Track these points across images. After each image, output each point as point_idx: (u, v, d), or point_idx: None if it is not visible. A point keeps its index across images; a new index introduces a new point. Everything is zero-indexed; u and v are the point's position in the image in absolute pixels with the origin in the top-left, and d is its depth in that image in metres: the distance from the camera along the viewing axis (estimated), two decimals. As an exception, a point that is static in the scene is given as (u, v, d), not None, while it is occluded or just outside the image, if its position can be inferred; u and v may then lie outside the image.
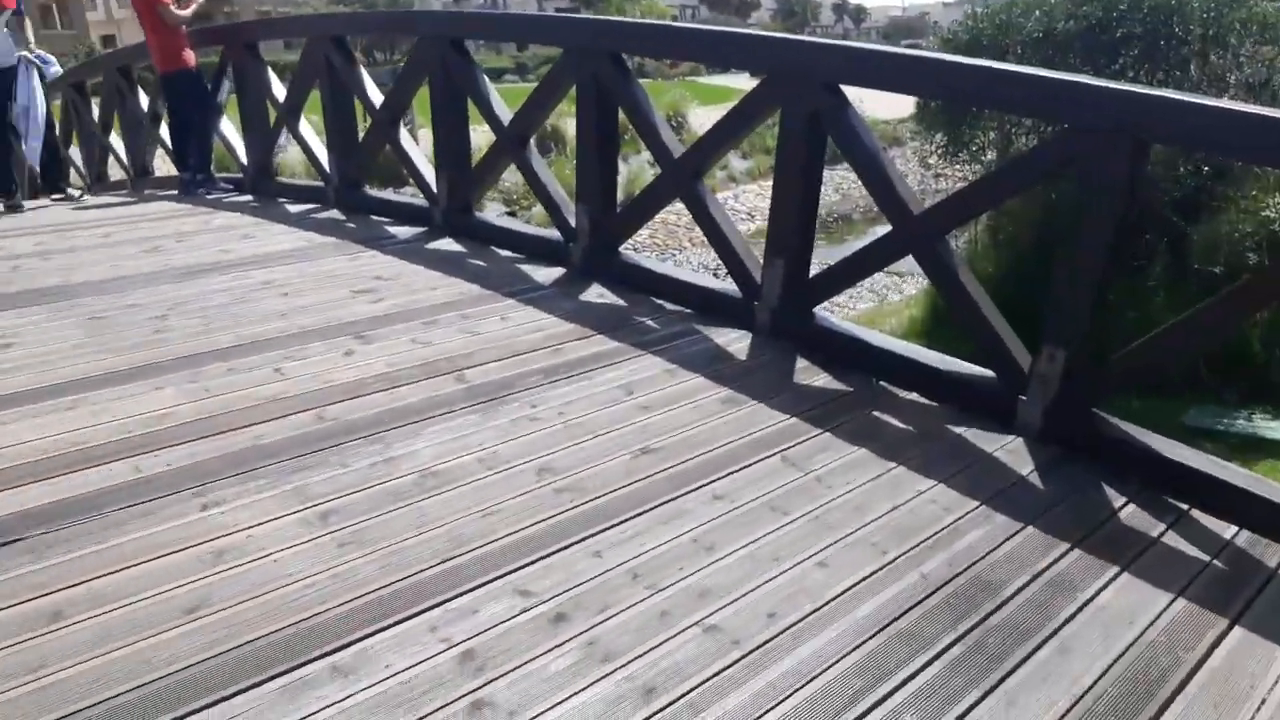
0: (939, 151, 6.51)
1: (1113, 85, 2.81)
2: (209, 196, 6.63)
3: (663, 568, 2.21)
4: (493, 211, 14.88)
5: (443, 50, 4.96)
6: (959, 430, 2.98)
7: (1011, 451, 2.86)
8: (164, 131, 7.54)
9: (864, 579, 2.18)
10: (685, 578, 2.17)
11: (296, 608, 2.00)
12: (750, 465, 2.70)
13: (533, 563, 2.21)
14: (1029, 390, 2.95)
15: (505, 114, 4.81)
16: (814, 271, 3.77)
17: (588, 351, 3.50)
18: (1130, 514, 2.54)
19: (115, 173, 8.81)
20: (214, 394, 3.04)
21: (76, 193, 7.50)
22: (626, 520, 2.39)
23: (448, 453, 2.70)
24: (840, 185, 20.30)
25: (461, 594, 2.08)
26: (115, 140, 8.51)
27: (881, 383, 3.30)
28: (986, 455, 2.83)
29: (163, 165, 8.63)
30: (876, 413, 3.09)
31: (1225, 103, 2.83)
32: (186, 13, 6.38)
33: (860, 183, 3.42)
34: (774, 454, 2.76)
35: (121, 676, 1.77)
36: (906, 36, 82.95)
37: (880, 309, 9.60)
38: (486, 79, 5.00)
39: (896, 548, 2.32)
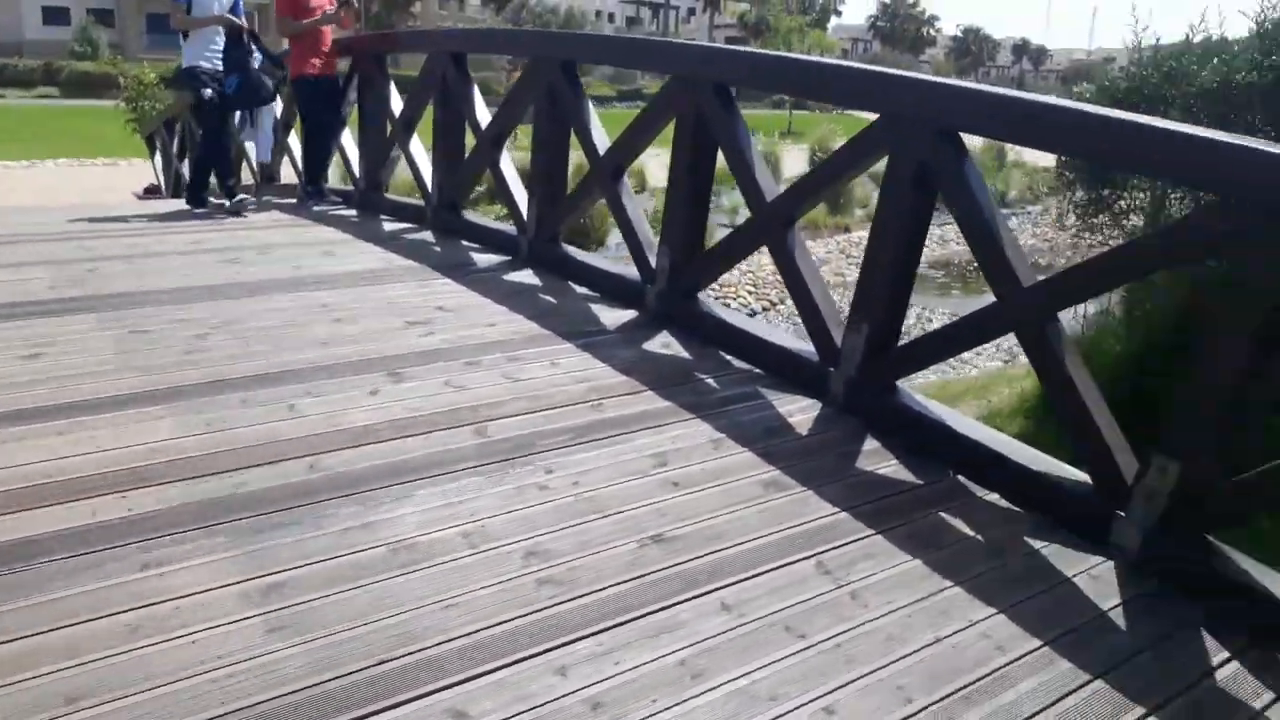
0: (1076, 210, 5.78)
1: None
2: (315, 208, 6.61)
3: (632, 698, 1.82)
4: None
5: (551, 74, 4.71)
6: (1038, 545, 2.47)
7: (1096, 578, 2.34)
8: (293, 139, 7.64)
9: (872, 739, 1.75)
10: (655, 714, 1.78)
11: (191, 708, 1.71)
12: (775, 569, 2.28)
13: (481, 675, 1.86)
14: (1130, 505, 2.42)
15: (603, 143, 4.52)
16: (904, 341, 3.30)
17: (631, 410, 3.14)
18: (1232, 675, 2.01)
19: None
20: (214, 429, 2.83)
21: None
22: (608, 629, 2.02)
23: (433, 522, 2.39)
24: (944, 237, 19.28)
25: (385, 709, 1.76)
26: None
27: (960, 477, 2.81)
28: (1065, 580, 2.33)
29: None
30: (944, 514, 2.60)
31: None
32: (301, 24, 6.39)
33: (965, 242, 2.94)
34: (807, 557, 2.33)
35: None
36: (1088, 81, 79.30)
37: (957, 380, 8.68)
38: (591, 106, 4.73)
39: (926, 695, 1.88)
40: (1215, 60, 4.98)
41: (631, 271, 4.36)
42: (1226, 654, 2.07)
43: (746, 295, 17.03)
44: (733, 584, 2.21)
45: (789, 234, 3.58)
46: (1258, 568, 2.28)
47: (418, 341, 3.69)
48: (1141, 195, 5.38)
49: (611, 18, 77.46)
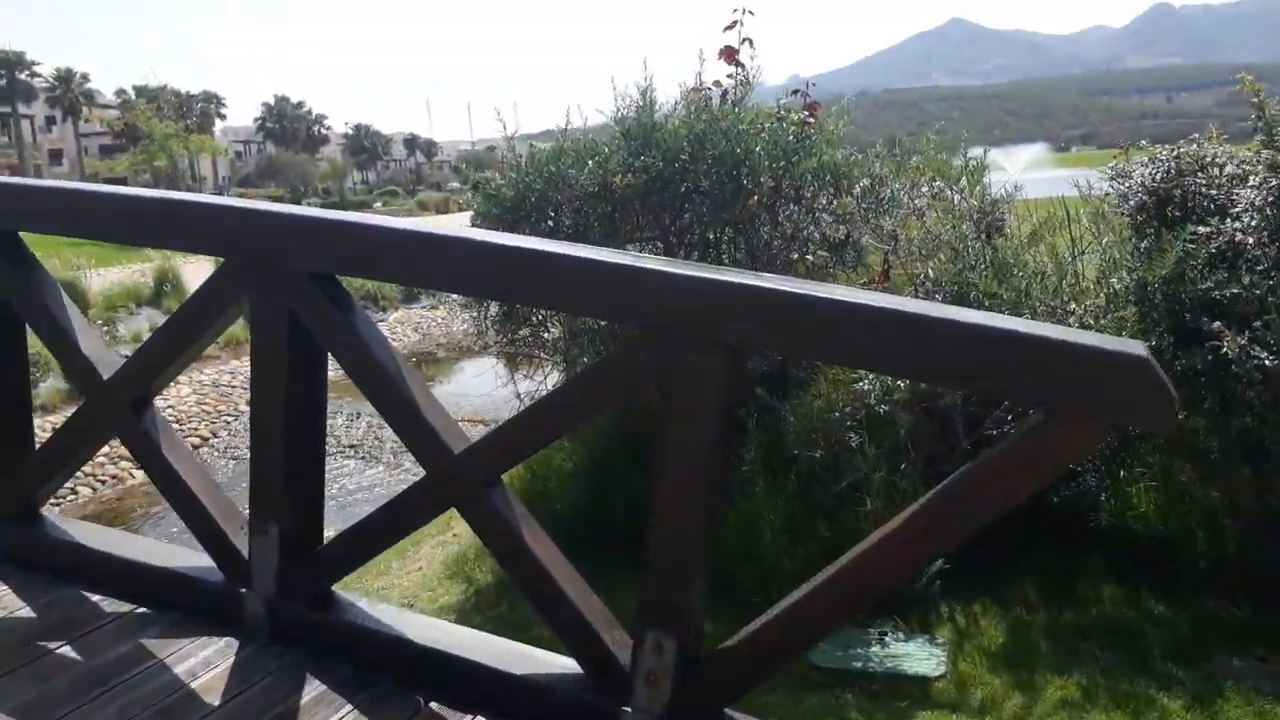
0: (495, 325, 5.57)
1: (691, 273, 2.05)
2: None
3: None
4: None
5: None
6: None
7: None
8: None
9: None
10: None
11: None
12: None
13: None
14: (634, 693, 2.04)
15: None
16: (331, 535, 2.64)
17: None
18: None
19: None
20: None
21: None
22: None
23: None
24: (420, 324, 19.45)
25: None
26: None
27: (434, 705, 2.23)
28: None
29: None
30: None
31: (813, 288, 2.13)
32: None
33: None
34: None
35: None
36: (478, 169, 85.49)
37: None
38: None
39: None
40: (591, 163, 5.11)
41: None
42: None
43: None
44: None
45: (145, 417, 2.70)
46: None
47: None
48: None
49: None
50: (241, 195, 64.82)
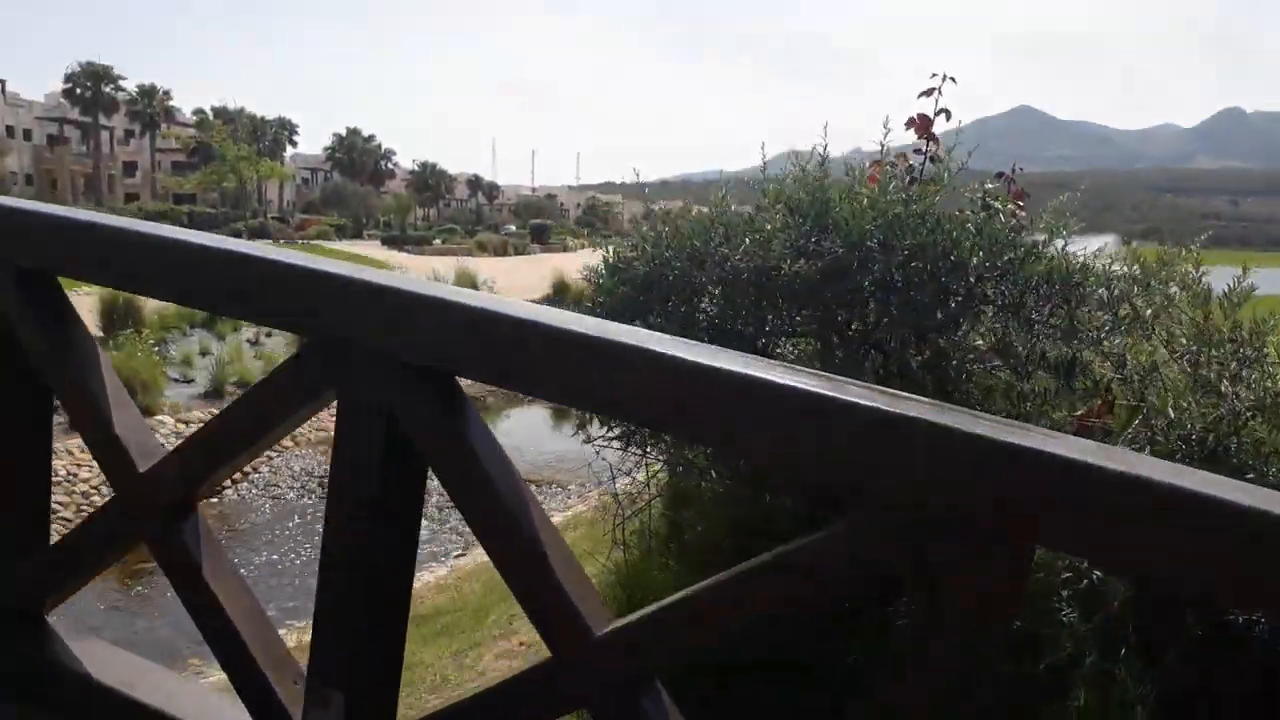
0: None
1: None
2: None
3: None
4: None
5: None
6: None
7: None
8: None
9: None
10: None
11: None
12: None
13: None
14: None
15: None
16: None
17: None
18: None
19: None
20: None
21: None
22: None
23: None
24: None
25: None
26: None
27: None
28: None
29: None
30: None
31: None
32: None
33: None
34: None
35: None
36: (537, 215, 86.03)
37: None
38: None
39: None
40: (748, 242, 4.21)
41: None
42: None
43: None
44: None
45: (187, 525, 1.81)
46: None
47: None
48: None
49: (29, 135, 67.70)
50: (303, 221, 65.60)
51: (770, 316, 4.36)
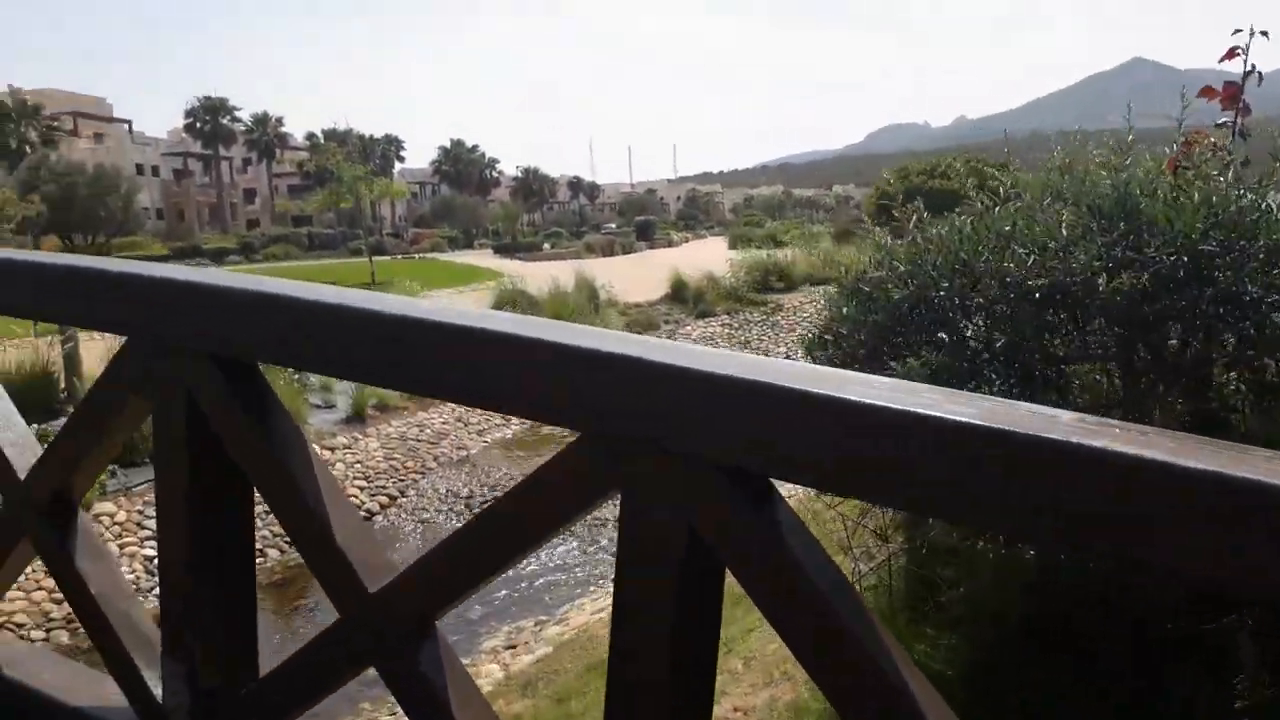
0: None
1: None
2: None
3: None
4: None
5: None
6: None
7: None
8: None
9: None
10: None
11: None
12: None
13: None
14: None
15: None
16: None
17: None
18: None
19: None
20: None
21: None
22: None
23: None
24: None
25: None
26: None
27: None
28: None
29: None
30: None
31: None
32: None
33: None
34: None
35: None
36: (640, 212, 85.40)
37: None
38: None
39: None
40: (1039, 252, 3.45)
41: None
42: None
43: (357, 491, 14.05)
44: None
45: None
46: None
47: None
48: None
49: (156, 171, 70.65)
50: (416, 235, 66.51)
51: (1058, 341, 3.62)
